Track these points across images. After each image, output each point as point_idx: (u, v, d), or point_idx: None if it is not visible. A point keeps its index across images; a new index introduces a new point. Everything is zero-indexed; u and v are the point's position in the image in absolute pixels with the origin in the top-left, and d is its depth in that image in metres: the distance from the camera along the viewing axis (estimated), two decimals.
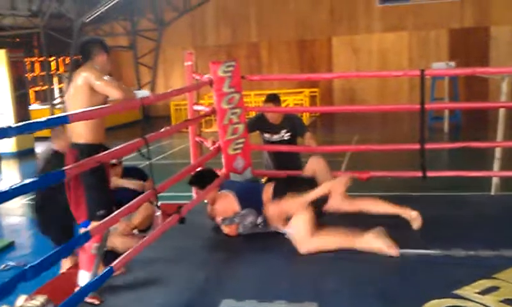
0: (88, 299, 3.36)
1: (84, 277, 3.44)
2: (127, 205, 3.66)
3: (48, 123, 2.84)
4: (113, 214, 3.51)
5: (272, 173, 5.81)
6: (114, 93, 3.64)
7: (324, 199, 4.09)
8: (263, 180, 5.97)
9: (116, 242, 4.40)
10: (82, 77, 3.69)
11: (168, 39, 18.39)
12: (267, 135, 5.79)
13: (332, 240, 3.87)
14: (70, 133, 3.75)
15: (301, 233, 3.92)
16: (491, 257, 3.62)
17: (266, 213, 4.28)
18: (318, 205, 4.06)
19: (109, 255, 4.05)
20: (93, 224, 3.51)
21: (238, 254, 4.10)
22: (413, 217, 4.09)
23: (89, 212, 3.63)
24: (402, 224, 4.10)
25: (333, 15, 17.53)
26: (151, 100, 4.51)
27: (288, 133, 5.73)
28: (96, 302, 3.37)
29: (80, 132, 3.64)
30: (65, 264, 4.52)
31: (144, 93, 4.53)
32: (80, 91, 3.66)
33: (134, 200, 3.79)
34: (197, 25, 18.69)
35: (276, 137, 5.76)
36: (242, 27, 18.33)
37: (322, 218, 4.09)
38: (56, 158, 4.62)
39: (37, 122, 2.69)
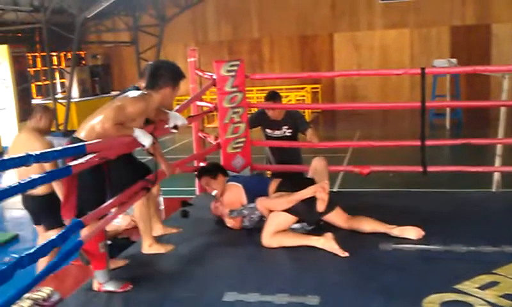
0: (118, 288, 3.43)
1: (100, 275, 3.46)
2: (117, 197, 3.66)
3: (66, 153, 3.12)
4: (105, 204, 3.53)
5: (273, 168, 5.86)
6: (144, 142, 3.62)
7: (308, 207, 4.08)
8: (268, 174, 6.02)
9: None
10: (128, 103, 3.60)
11: (170, 35, 18.40)
12: (268, 131, 5.85)
13: (290, 239, 4.00)
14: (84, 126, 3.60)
15: (269, 229, 4.04)
16: (491, 253, 3.66)
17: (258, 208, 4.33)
18: (301, 212, 4.09)
19: (113, 248, 4.10)
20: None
21: (241, 248, 4.13)
22: (407, 233, 4.04)
23: (79, 210, 3.30)
24: (403, 221, 4.13)
25: (335, 10, 17.54)
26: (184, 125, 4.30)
27: (290, 130, 5.77)
28: (127, 288, 3.44)
29: (94, 133, 3.48)
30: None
31: (177, 116, 4.15)
32: (112, 113, 3.53)
33: (127, 190, 3.77)
34: (198, 21, 18.71)
35: (277, 133, 5.80)
36: (244, 22, 18.34)
37: (320, 228, 4.11)
38: None
39: (54, 151, 3.07)
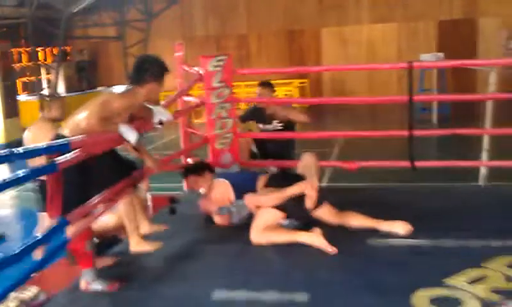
0: (106, 288, 3.39)
1: (87, 274, 3.43)
2: (103, 194, 3.63)
3: (50, 150, 3.12)
4: (91, 201, 3.50)
5: (261, 163, 5.83)
6: (129, 138, 3.59)
7: (296, 203, 4.07)
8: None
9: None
10: (114, 98, 3.58)
11: (157, 30, 18.29)
12: (260, 126, 5.82)
13: (278, 236, 3.99)
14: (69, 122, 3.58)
15: (257, 225, 4.05)
16: (479, 247, 3.67)
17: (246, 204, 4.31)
18: (290, 209, 4.08)
19: (101, 246, 4.07)
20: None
21: (229, 244, 4.12)
22: (395, 227, 4.04)
23: (64, 208, 3.21)
24: (391, 216, 4.13)
25: (322, 5, 17.52)
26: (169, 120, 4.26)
27: (281, 123, 5.75)
28: (115, 287, 3.41)
29: (78, 129, 3.44)
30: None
31: (162, 112, 4.11)
32: (97, 108, 3.51)
33: (114, 187, 3.73)
34: (186, 16, 18.62)
35: (269, 127, 5.78)
36: (231, 18, 18.27)
37: (309, 224, 4.08)
38: None
39: (38, 149, 3.01)
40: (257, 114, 5.82)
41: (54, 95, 5.15)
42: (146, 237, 4.20)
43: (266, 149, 5.85)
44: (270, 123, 5.78)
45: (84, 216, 3.39)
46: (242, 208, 4.35)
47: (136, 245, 4.05)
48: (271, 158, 5.68)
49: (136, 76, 3.72)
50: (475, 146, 6.60)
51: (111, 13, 18.25)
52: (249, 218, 4.26)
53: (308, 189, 4.04)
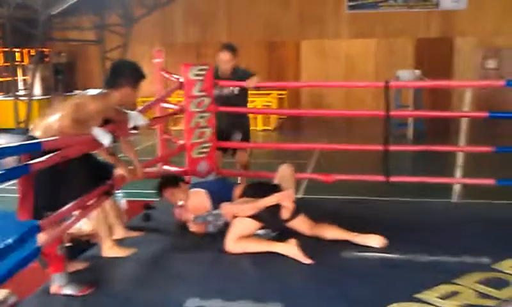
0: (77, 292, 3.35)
1: (59, 278, 3.38)
2: (77, 201, 3.59)
3: (21, 149, 3.08)
4: (66, 208, 3.45)
5: (239, 174, 5.80)
6: (103, 141, 3.57)
7: (272, 214, 4.08)
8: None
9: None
10: (88, 100, 3.56)
11: (137, 36, 18.20)
12: (216, 91, 5.60)
13: (254, 245, 4.00)
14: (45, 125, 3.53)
15: (233, 234, 4.04)
16: (452, 262, 3.71)
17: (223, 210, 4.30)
18: (266, 219, 4.08)
19: (73, 250, 4.03)
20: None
21: (204, 253, 4.09)
22: (370, 240, 4.08)
23: (35, 211, 3.20)
24: (365, 229, 4.16)
25: (302, 18, 17.64)
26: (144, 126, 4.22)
27: (237, 87, 5.66)
28: (86, 292, 3.38)
29: (51, 130, 3.41)
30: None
31: (138, 117, 4.09)
32: (71, 110, 3.48)
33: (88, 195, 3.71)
34: (166, 22, 18.57)
35: (225, 91, 5.69)
36: (212, 26, 18.28)
37: (284, 235, 4.09)
38: None
39: (10, 147, 2.97)
40: (217, 74, 5.60)
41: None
42: (120, 243, 4.16)
43: (224, 117, 5.69)
44: (227, 86, 5.66)
45: (57, 223, 3.35)
46: (218, 218, 4.34)
47: (108, 250, 4.01)
48: (231, 126, 5.69)
49: (111, 80, 3.72)
50: (449, 162, 6.69)
51: (91, 16, 18.11)
52: (225, 226, 4.25)
53: (285, 200, 4.05)
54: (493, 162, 7.26)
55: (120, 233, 4.31)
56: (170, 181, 4.71)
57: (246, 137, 5.94)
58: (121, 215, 4.80)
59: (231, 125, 5.76)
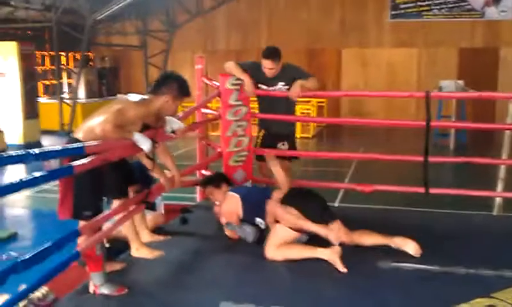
0: (114, 292, 3.43)
1: (97, 278, 3.46)
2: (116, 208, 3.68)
3: (63, 152, 3.14)
4: (105, 213, 3.57)
5: (266, 180, 5.71)
6: (143, 146, 3.64)
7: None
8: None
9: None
10: (130, 106, 3.62)
11: (179, 42, 18.45)
12: (263, 87, 5.40)
13: (295, 252, 4.00)
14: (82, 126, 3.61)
15: (273, 241, 4.04)
16: (490, 276, 3.64)
17: (267, 209, 4.31)
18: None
19: (111, 251, 4.10)
20: (81, 223, 3.47)
21: (239, 257, 4.12)
22: (407, 246, 4.05)
23: (75, 210, 3.42)
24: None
25: (344, 26, 17.57)
26: (182, 133, 4.29)
27: (286, 86, 5.33)
28: (122, 292, 3.45)
29: (92, 134, 3.47)
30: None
31: (174, 120, 4.12)
32: (113, 115, 3.53)
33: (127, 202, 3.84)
34: (208, 29, 18.75)
35: (272, 89, 5.38)
36: (253, 32, 18.37)
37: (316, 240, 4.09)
38: None
39: (53, 150, 2.97)
40: (257, 73, 5.33)
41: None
42: (155, 245, 4.23)
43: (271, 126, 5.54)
44: (274, 84, 5.34)
45: (96, 229, 3.45)
46: (246, 234, 4.35)
47: (136, 251, 4.10)
48: (276, 137, 5.51)
49: (157, 87, 3.79)
50: (490, 175, 6.55)
51: (134, 22, 18.46)
52: (259, 232, 4.29)
53: (332, 238, 4.03)
54: None
55: (145, 236, 4.39)
56: (213, 181, 4.82)
57: (291, 148, 5.68)
58: (156, 218, 4.88)
59: (277, 134, 5.54)
